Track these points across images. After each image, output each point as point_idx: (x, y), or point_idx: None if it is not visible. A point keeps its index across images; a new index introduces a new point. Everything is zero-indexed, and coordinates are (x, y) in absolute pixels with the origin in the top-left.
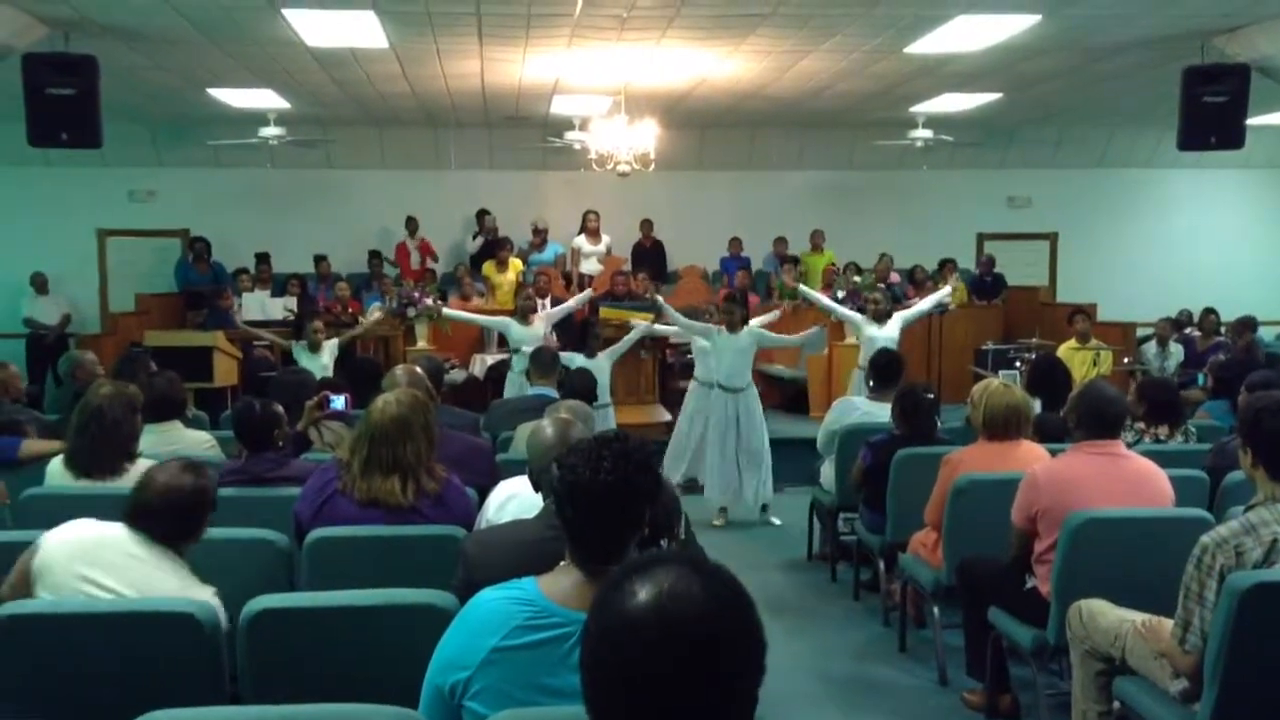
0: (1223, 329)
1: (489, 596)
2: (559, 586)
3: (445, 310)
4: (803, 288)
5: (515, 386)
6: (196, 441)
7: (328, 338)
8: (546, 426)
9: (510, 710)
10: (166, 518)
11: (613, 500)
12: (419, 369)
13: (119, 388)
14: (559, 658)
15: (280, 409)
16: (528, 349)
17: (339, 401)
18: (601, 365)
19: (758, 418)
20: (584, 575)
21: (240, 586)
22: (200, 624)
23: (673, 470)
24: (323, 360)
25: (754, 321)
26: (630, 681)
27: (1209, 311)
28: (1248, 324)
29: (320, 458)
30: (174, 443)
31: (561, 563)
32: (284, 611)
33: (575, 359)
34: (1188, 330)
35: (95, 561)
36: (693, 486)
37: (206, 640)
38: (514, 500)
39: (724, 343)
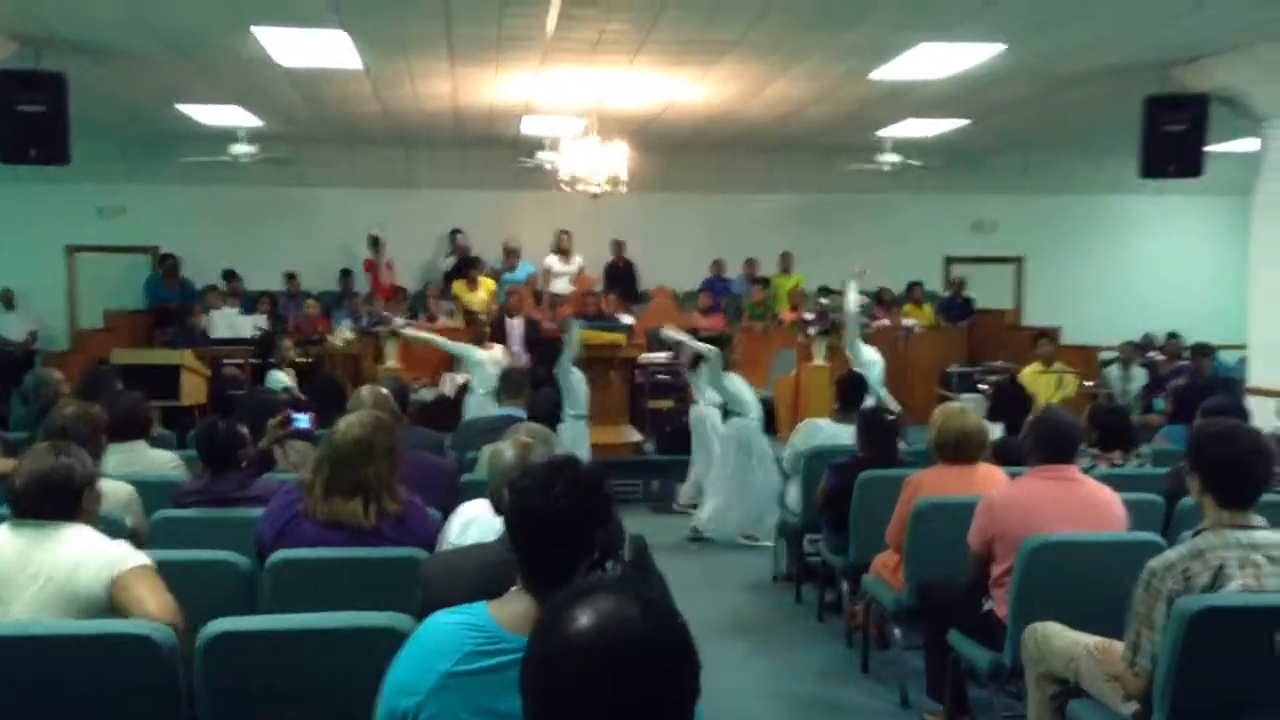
0: (1184, 353)
1: (440, 621)
2: (510, 612)
3: (407, 331)
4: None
5: (475, 408)
6: (161, 461)
7: (298, 358)
8: (506, 450)
9: None
10: (42, 499)
11: (563, 525)
12: (384, 390)
13: (83, 407)
14: (509, 683)
15: (244, 429)
16: (492, 370)
17: (303, 420)
18: (576, 376)
19: (764, 447)
20: (534, 601)
21: (201, 609)
22: (156, 645)
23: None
24: (289, 380)
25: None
26: (572, 705)
27: (1171, 335)
28: (1203, 350)
29: (284, 477)
30: (138, 463)
31: (513, 588)
32: (242, 634)
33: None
34: (1150, 354)
35: None
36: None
37: (163, 663)
38: (475, 524)
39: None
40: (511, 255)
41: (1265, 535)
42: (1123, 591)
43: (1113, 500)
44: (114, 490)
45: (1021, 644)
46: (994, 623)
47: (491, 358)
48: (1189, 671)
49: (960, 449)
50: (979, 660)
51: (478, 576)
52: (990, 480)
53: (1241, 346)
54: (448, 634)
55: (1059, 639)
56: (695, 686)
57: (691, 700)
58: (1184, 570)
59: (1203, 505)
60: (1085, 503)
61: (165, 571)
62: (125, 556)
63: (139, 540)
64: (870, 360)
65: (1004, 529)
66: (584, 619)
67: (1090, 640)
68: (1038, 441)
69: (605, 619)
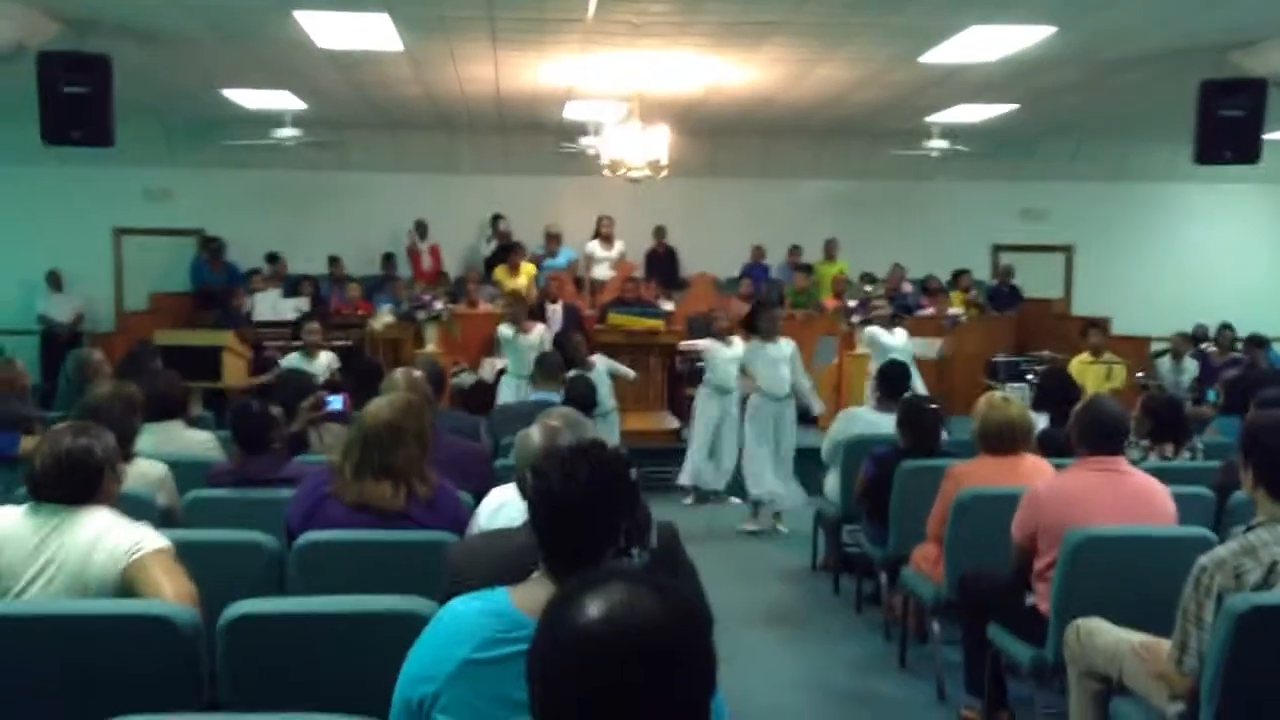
0: (1236, 345)
1: (459, 607)
2: (531, 598)
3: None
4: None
5: (510, 392)
6: (196, 442)
7: (327, 340)
8: (534, 433)
9: None
10: (59, 481)
11: (586, 511)
12: (418, 373)
13: (118, 386)
14: None
15: (277, 410)
16: (532, 355)
17: (336, 402)
18: (598, 372)
19: (792, 429)
20: (556, 587)
21: (229, 589)
22: (176, 627)
23: (691, 479)
24: (317, 366)
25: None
26: (575, 696)
27: (1224, 327)
28: (1257, 341)
29: (319, 460)
30: (173, 442)
31: (535, 573)
32: (263, 617)
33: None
34: (1203, 346)
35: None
36: (705, 498)
37: (183, 644)
38: (506, 508)
39: (769, 352)
40: (552, 241)
41: None
42: (1170, 588)
43: (1162, 493)
44: (147, 469)
45: (1065, 640)
46: (1036, 617)
47: (529, 341)
48: (1238, 672)
49: (1004, 439)
50: (1020, 656)
51: (503, 562)
52: (1035, 472)
53: None
54: (467, 620)
55: (1103, 636)
56: (709, 683)
57: (705, 698)
58: (1235, 567)
59: (1256, 500)
60: (1133, 496)
61: (195, 552)
62: (142, 540)
63: (173, 519)
64: (890, 346)
65: (1048, 521)
66: (594, 607)
67: (1135, 638)
68: (1084, 432)
69: (615, 607)
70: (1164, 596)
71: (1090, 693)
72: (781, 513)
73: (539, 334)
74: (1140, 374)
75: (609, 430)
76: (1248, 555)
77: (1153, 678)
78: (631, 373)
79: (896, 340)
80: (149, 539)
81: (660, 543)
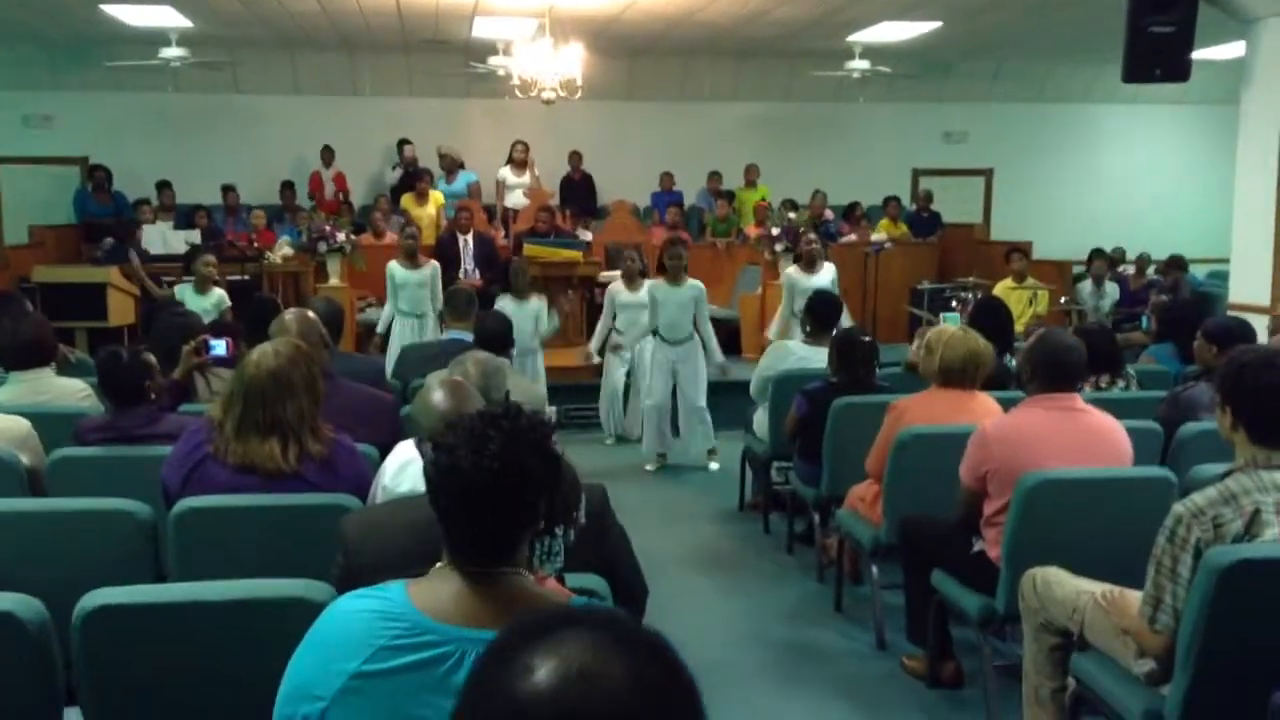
0: (1150, 268)
1: (346, 607)
2: (434, 596)
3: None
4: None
5: (400, 337)
6: (68, 391)
7: (233, 275)
8: (436, 392)
9: None
10: None
11: (499, 490)
12: (311, 313)
13: None
14: (434, 683)
15: (151, 357)
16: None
17: (220, 347)
18: (530, 310)
19: (700, 371)
20: (464, 581)
21: (96, 566)
22: (22, 623)
23: (607, 427)
24: (210, 301)
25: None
26: None
27: (1140, 257)
28: (1177, 263)
29: (203, 409)
30: (42, 392)
31: (438, 564)
32: (125, 608)
33: (504, 305)
34: (1120, 269)
35: None
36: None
37: (32, 641)
38: (413, 465)
39: (665, 294)
40: (448, 163)
41: None
42: (1129, 532)
43: (1118, 432)
44: (7, 426)
45: (1019, 591)
46: (985, 564)
47: (418, 278)
48: (1218, 631)
49: (966, 373)
50: (968, 605)
51: (408, 538)
52: (986, 410)
53: (1213, 261)
54: (356, 624)
55: (1061, 586)
56: None
57: None
58: (1214, 517)
59: (1233, 442)
60: (1088, 435)
61: (57, 523)
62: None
63: (37, 480)
64: (806, 288)
65: (999, 463)
66: (541, 674)
67: (1097, 588)
68: (1037, 367)
69: (571, 679)
70: (1123, 542)
71: (1048, 647)
72: (715, 449)
73: (431, 270)
74: (1063, 299)
75: (533, 369)
76: (1227, 504)
77: (1118, 632)
78: (555, 325)
79: (817, 282)
80: None
81: (588, 508)
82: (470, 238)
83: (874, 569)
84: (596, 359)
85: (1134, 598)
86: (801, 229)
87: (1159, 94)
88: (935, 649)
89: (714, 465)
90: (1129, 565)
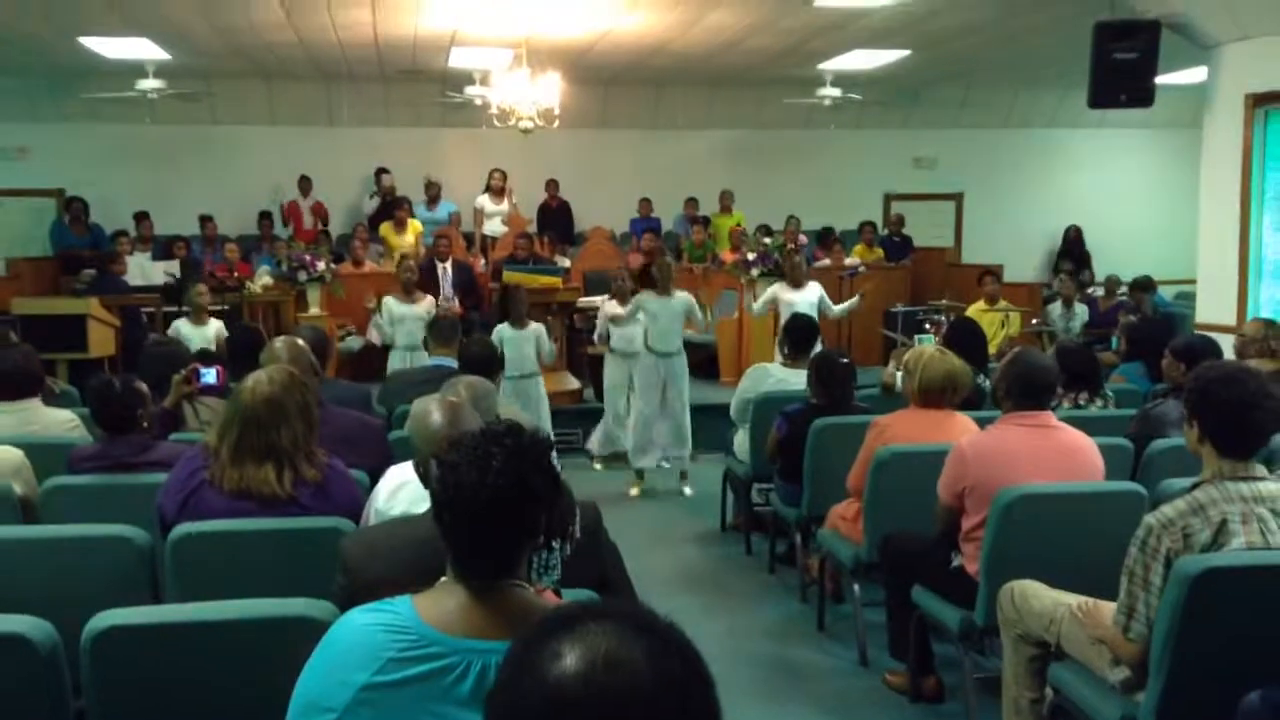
0: (1119, 289)
1: (356, 621)
2: (441, 609)
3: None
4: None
5: (399, 363)
6: (57, 421)
7: (213, 305)
8: (433, 412)
9: None
10: None
11: (503, 507)
12: (300, 341)
13: None
14: (441, 693)
15: (143, 386)
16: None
17: (210, 375)
18: (530, 335)
19: (685, 388)
20: (469, 595)
21: (94, 591)
22: (32, 645)
23: (603, 448)
24: (208, 333)
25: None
26: None
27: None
28: (1142, 285)
29: (193, 438)
30: (31, 423)
31: (443, 579)
32: (134, 629)
33: (504, 331)
34: (1090, 290)
35: None
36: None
37: (42, 663)
38: (405, 488)
39: (656, 305)
40: (435, 190)
41: (1270, 486)
42: (1102, 546)
43: (1090, 448)
44: (1, 456)
45: (998, 604)
46: (964, 579)
47: (414, 313)
48: (1190, 637)
49: (945, 392)
50: (948, 619)
51: (407, 556)
52: (964, 429)
53: (1180, 282)
54: (364, 638)
55: (1038, 599)
56: None
57: None
58: (1184, 527)
59: (1200, 455)
60: (1062, 451)
61: (54, 549)
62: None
63: (31, 510)
64: (791, 302)
65: (976, 480)
66: (570, 659)
67: (1073, 600)
68: (1011, 386)
69: (597, 664)
70: (1097, 555)
71: (1026, 658)
72: (687, 473)
73: (428, 306)
74: (1034, 321)
75: (536, 394)
76: (1195, 515)
77: (1094, 642)
78: (553, 349)
79: (804, 296)
80: None
81: (582, 525)
82: (449, 265)
83: (855, 587)
84: (604, 347)
85: (1109, 608)
86: (786, 249)
87: (1125, 118)
88: (917, 664)
89: (688, 490)
90: (1103, 577)
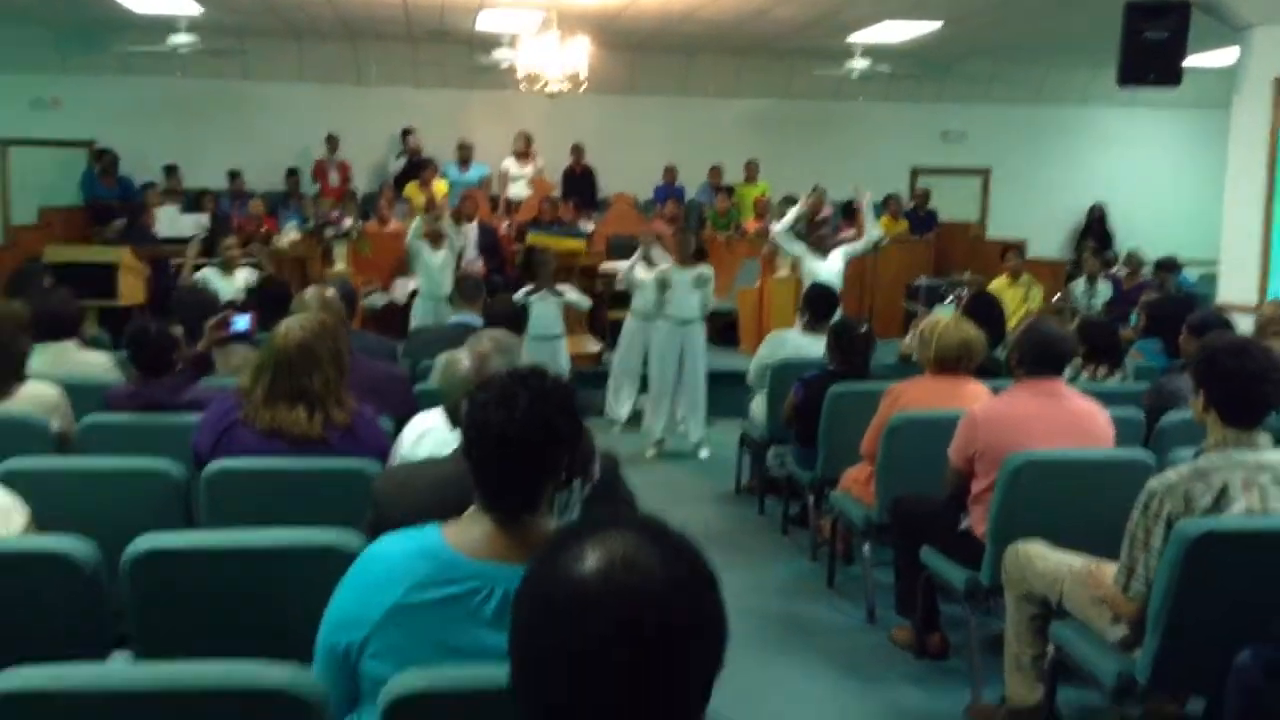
0: (1143, 268)
1: (387, 547)
2: (468, 536)
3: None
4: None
5: (423, 313)
6: (92, 363)
7: (243, 258)
8: (462, 358)
9: (413, 671)
10: None
11: (528, 444)
12: (331, 291)
13: (5, 306)
14: (466, 614)
15: (178, 330)
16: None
17: (242, 322)
18: (558, 298)
19: (702, 358)
20: (494, 524)
21: (131, 521)
22: (77, 564)
23: (617, 407)
24: (236, 284)
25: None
26: (563, 663)
27: (1130, 254)
28: (1167, 265)
29: (224, 382)
30: (67, 363)
31: (470, 509)
32: (172, 553)
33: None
34: (1114, 269)
35: None
36: (635, 419)
37: (85, 581)
38: (429, 435)
39: (676, 276)
40: (466, 153)
41: (1273, 456)
42: (1108, 511)
43: (1100, 416)
44: (40, 392)
45: (1003, 564)
46: (971, 541)
47: (437, 260)
48: (1186, 597)
49: (960, 360)
50: (955, 578)
51: (432, 493)
52: (976, 396)
53: (1205, 263)
54: (396, 561)
55: (1042, 560)
56: (719, 655)
57: (712, 674)
58: (1185, 492)
59: (1205, 424)
60: (1072, 418)
61: (93, 480)
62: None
63: (67, 444)
64: (815, 270)
65: (986, 445)
66: (590, 560)
67: (1075, 561)
68: (1025, 354)
69: (615, 564)
70: (1102, 520)
71: (1028, 616)
72: (703, 438)
73: (445, 253)
74: (1056, 296)
75: (556, 356)
76: (1198, 479)
77: (1095, 602)
78: (587, 302)
79: (827, 266)
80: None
81: (601, 474)
82: (473, 226)
83: (866, 547)
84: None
85: (1110, 569)
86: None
87: (1157, 98)
88: (923, 621)
89: (704, 453)
90: (1106, 540)
